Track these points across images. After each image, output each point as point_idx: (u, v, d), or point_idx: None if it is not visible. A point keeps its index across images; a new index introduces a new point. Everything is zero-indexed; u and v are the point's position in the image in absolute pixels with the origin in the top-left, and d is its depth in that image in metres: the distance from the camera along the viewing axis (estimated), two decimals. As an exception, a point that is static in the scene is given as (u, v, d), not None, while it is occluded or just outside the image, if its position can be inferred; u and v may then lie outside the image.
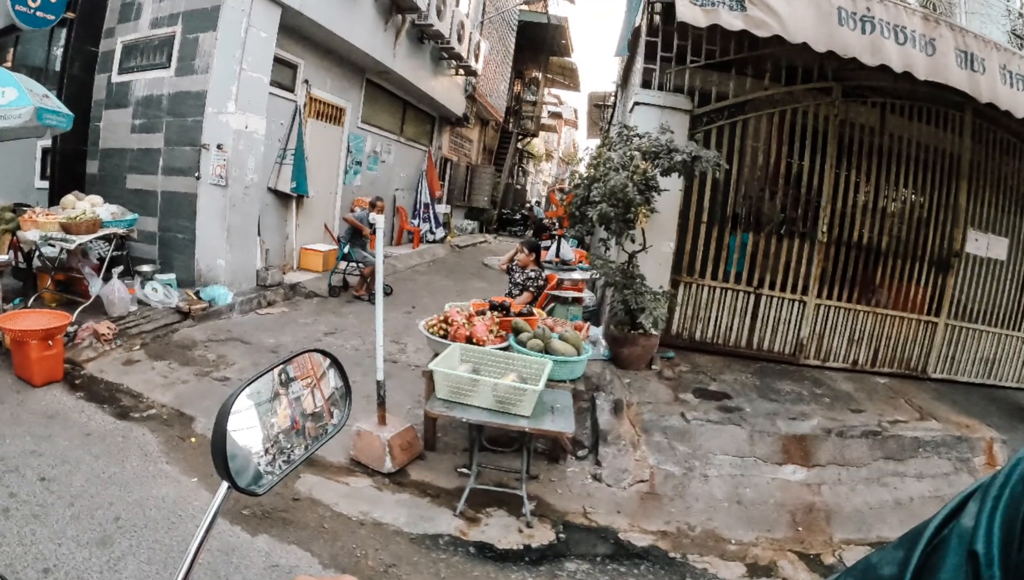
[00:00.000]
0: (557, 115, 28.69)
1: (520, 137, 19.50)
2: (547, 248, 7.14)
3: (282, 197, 7.05)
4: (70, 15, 5.62)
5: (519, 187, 23.20)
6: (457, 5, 9.68)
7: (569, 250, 7.32)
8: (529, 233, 15.93)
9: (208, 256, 5.66)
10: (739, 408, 3.74)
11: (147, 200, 5.79)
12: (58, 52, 5.96)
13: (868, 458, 3.38)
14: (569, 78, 20.81)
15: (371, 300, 6.22)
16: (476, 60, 11.23)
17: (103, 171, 6.09)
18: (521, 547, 2.54)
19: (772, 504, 3.05)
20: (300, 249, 7.52)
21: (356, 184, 8.87)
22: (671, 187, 4.29)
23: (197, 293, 5.28)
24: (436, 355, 3.09)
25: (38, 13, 5.13)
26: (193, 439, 3.13)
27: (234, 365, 4.20)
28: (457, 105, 12.01)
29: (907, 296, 4.88)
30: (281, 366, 0.87)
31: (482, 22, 12.58)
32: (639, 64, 4.92)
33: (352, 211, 7.16)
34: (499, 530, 2.63)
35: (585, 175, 4.63)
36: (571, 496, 2.98)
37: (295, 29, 6.47)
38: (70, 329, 3.92)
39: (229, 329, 5.01)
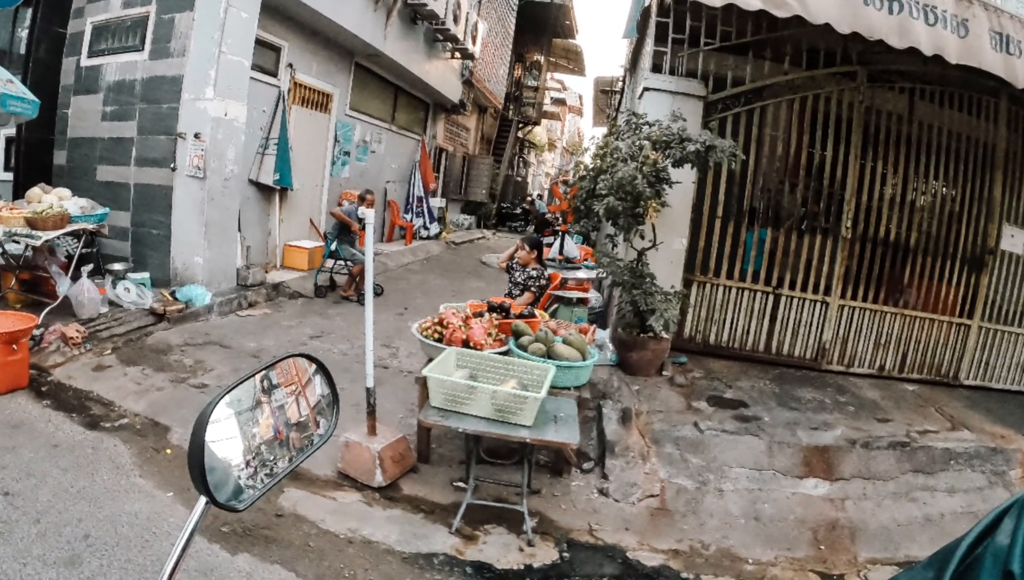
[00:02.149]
0: (561, 102, 28.71)
1: (521, 125, 19.51)
2: (550, 245, 7.15)
3: (264, 190, 7.06)
4: (36, -6, 5.63)
5: (520, 179, 23.21)
6: (453, -17, 9.68)
7: (573, 247, 7.32)
8: (530, 229, 15.94)
9: (185, 253, 5.67)
10: (757, 417, 3.74)
11: (119, 193, 5.79)
12: (23, 34, 5.97)
13: (896, 471, 3.38)
14: (574, 62, 20.83)
15: (360, 301, 6.22)
16: (473, 42, 11.23)
17: (72, 162, 6.10)
18: (522, 567, 2.54)
19: (792, 520, 3.05)
20: (284, 246, 7.52)
21: (344, 176, 8.88)
22: (683, 179, 4.29)
23: (173, 293, 5.29)
24: (430, 360, 3.09)
25: (1, -8, 5.13)
26: (168, 451, 3.13)
27: (212, 371, 4.20)
28: (453, 91, 12.02)
29: (938, 297, 4.88)
30: (263, 372, 0.87)
31: (480, 1, 12.59)
32: (649, 47, 4.92)
33: (340, 205, 7.17)
34: (498, 549, 2.63)
35: (591, 166, 4.63)
36: (576, 512, 2.98)
37: (278, 9, 6.48)
38: (36, 332, 3.92)
39: (207, 332, 5.01)
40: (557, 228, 9.76)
